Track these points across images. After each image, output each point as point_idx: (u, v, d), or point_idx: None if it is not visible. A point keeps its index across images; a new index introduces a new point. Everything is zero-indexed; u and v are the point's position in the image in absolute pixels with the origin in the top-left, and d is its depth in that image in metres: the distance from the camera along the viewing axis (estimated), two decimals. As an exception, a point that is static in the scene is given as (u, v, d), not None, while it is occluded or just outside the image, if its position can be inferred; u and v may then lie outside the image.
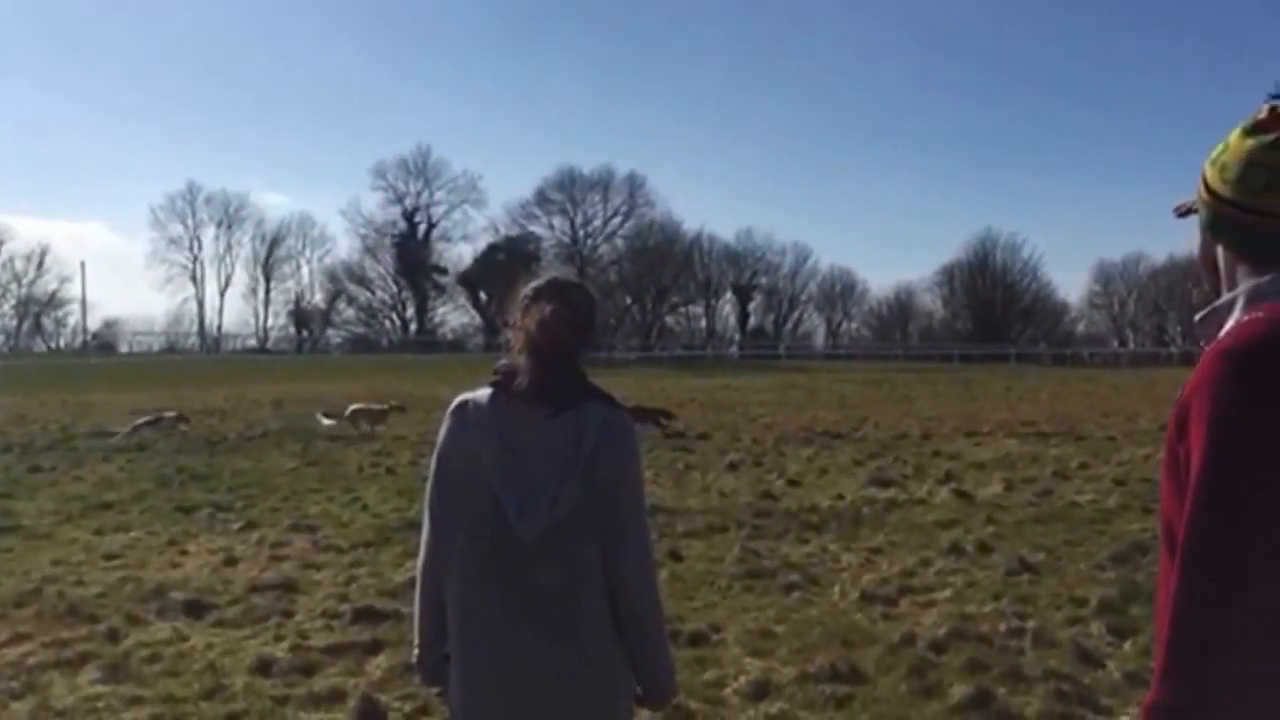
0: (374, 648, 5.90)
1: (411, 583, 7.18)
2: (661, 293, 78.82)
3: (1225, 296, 1.72)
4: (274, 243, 79.74)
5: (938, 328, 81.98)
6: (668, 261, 77.10)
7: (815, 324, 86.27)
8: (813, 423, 19.75)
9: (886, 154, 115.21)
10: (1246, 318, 1.63)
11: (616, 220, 77.87)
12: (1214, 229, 1.73)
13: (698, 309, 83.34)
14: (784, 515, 9.97)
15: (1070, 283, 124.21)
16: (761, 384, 35.65)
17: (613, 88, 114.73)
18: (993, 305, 77.31)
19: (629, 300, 76.90)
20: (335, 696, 5.17)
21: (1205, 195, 1.74)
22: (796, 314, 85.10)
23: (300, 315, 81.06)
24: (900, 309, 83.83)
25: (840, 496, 11.05)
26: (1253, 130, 1.67)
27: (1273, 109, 1.65)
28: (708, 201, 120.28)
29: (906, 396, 28.40)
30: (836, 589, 7.21)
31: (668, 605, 6.82)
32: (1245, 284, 1.68)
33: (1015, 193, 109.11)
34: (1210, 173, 1.73)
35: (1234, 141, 1.69)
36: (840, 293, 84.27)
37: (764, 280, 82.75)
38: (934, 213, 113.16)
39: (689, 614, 6.59)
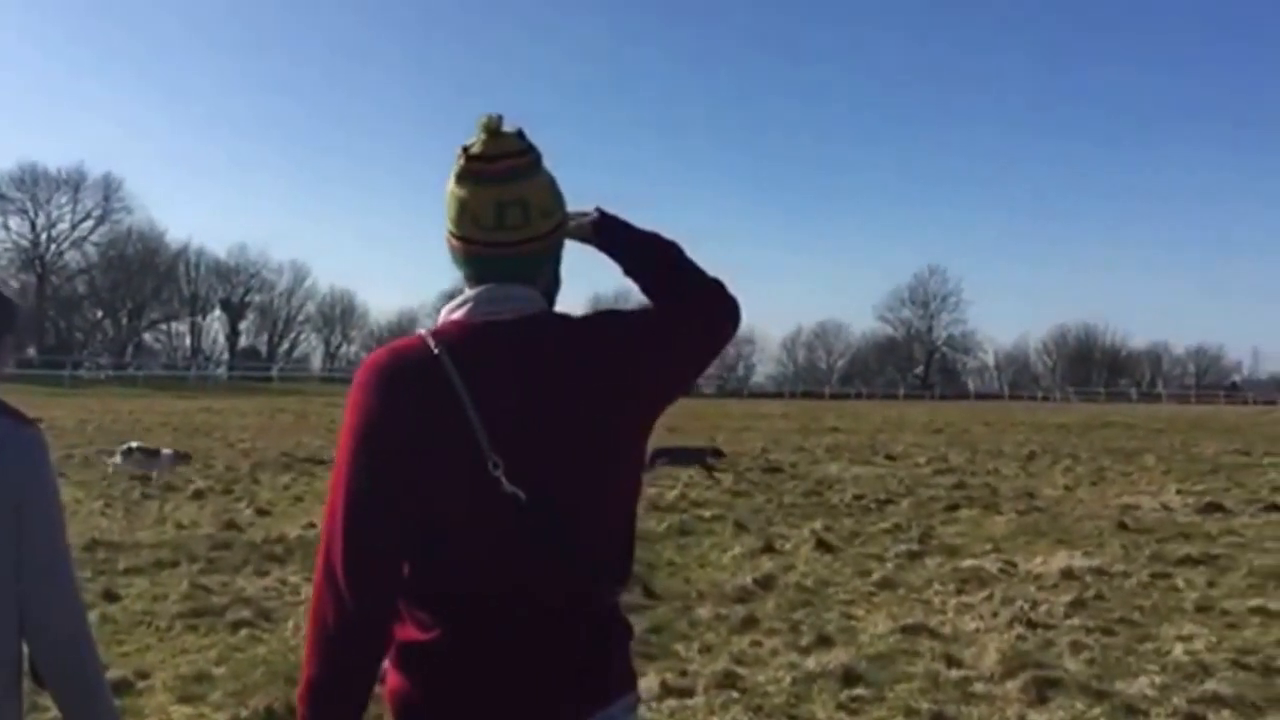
0: None
1: None
2: (140, 307, 73.23)
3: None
4: None
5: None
6: (148, 273, 71.83)
7: (313, 345, 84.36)
8: (296, 448, 19.12)
9: (394, 174, 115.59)
10: (413, 334, 1.81)
11: (88, 225, 71.43)
12: (450, 256, 1.90)
13: (182, 326, 78.47)
14: (246, 547, 9.46)
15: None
16: (248, 407, 34.13)
17: (88, 75, 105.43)
18: (492, 331, 79.92)
19: (100, 314, 70.62)
20: None
21: None
22: (293, 335, 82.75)
23: None
24: (402, 332, 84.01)
25: (312, 525, 10.67)
26: (455, 166, 1.84)
27: (464, 147, 1.83)
28: (198, 213, 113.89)
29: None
30: (290, 624, 6.89)
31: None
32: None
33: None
34: None
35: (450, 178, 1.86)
36: (340, 314, 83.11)
37: (258, 298, 79.66)
38: (438, 237, 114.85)
39: (118, 660, 6.00)
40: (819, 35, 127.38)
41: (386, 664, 1.78)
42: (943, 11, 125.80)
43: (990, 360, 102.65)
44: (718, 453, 16.62)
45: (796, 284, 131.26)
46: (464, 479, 1.67)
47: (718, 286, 2.07)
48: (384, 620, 1.72)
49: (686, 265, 2.07)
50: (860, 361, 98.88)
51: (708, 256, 2.10)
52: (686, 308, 2.00)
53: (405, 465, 1.67)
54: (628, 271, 2.07)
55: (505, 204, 1.79)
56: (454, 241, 1.85)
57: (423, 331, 1.78)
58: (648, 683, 5.60)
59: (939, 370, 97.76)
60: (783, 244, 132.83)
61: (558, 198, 1.88)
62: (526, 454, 1.69)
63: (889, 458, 20.11)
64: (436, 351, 1.72)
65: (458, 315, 1.81)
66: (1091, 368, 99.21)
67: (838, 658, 6.09)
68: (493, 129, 1.81)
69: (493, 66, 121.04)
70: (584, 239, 2.05)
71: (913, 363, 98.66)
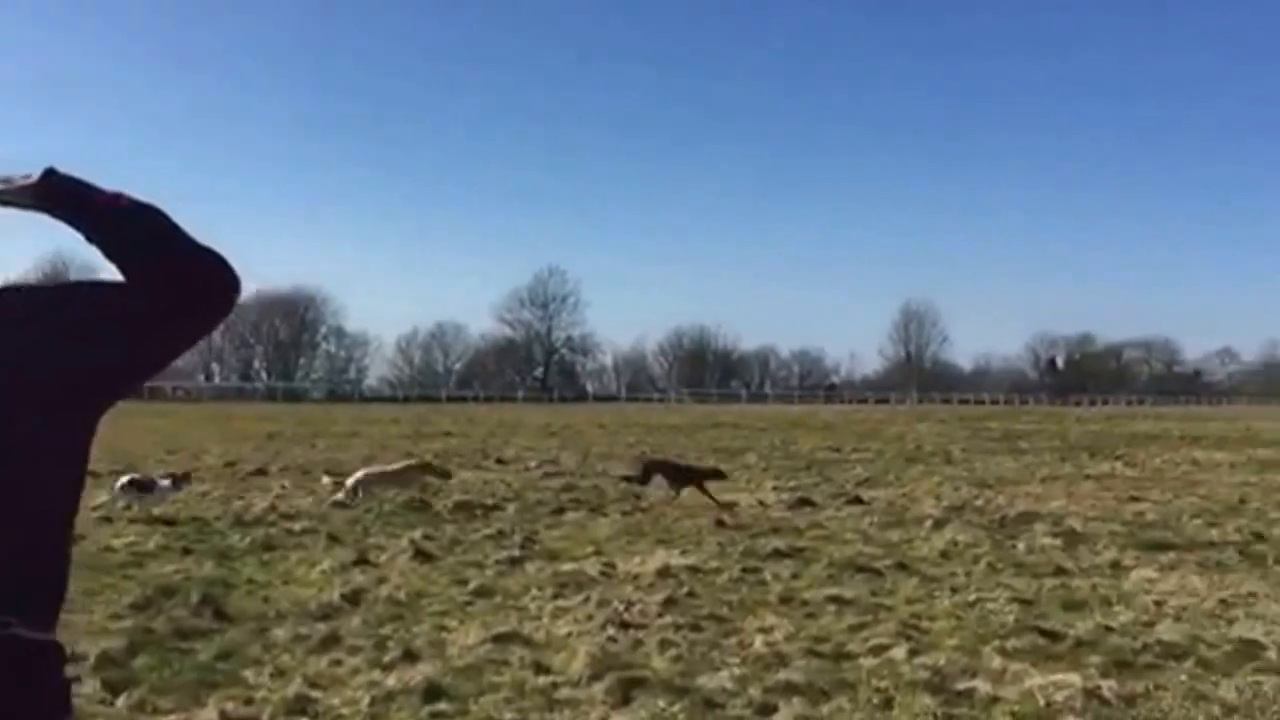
0: None
1: None
2: None
3: None
4: None
5: None
6: None
7: None
8: None
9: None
10: None
11: None
12: None
13: None
14: None
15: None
16: None
17: None
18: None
19: None
20: None
21: None
22: None
23: None
24: None
25: None
26: None
27: None
28: None
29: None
30: None
31: None
32: None
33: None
34: None
35: None
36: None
37: None
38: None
39: None
40: (444, 34, 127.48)
41: None
42: (567, 12, 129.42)
43: (609, 362, 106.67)
44: (718, 473, 14.95)
45: (413, 284, 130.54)
46: None
47: (207, 256, 1.81)
48: None
49: (166, 232, 1.80)
50: (479, 363, 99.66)
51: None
52: (155, 282, 1.76)
53: None
54: (90, 238, 1.82)
55: None
56: None
57: None
58: (206, 714, 5.27)
59: (558, 372, 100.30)
60: (396, 244, 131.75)
61: None
62: None
63: (500, 462, 20.30)
64: None
65: None
66: (705, 369, 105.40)
67: (422, 672, 6.00)
68: None
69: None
70: (29, 206, 1.80)
71: (532, 364, 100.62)
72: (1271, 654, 6.57)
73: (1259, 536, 11.25)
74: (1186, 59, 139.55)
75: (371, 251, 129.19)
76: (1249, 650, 6.66)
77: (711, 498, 13.79)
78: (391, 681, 5.88)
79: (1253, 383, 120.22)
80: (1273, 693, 5.79)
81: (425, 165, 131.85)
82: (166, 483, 13.24)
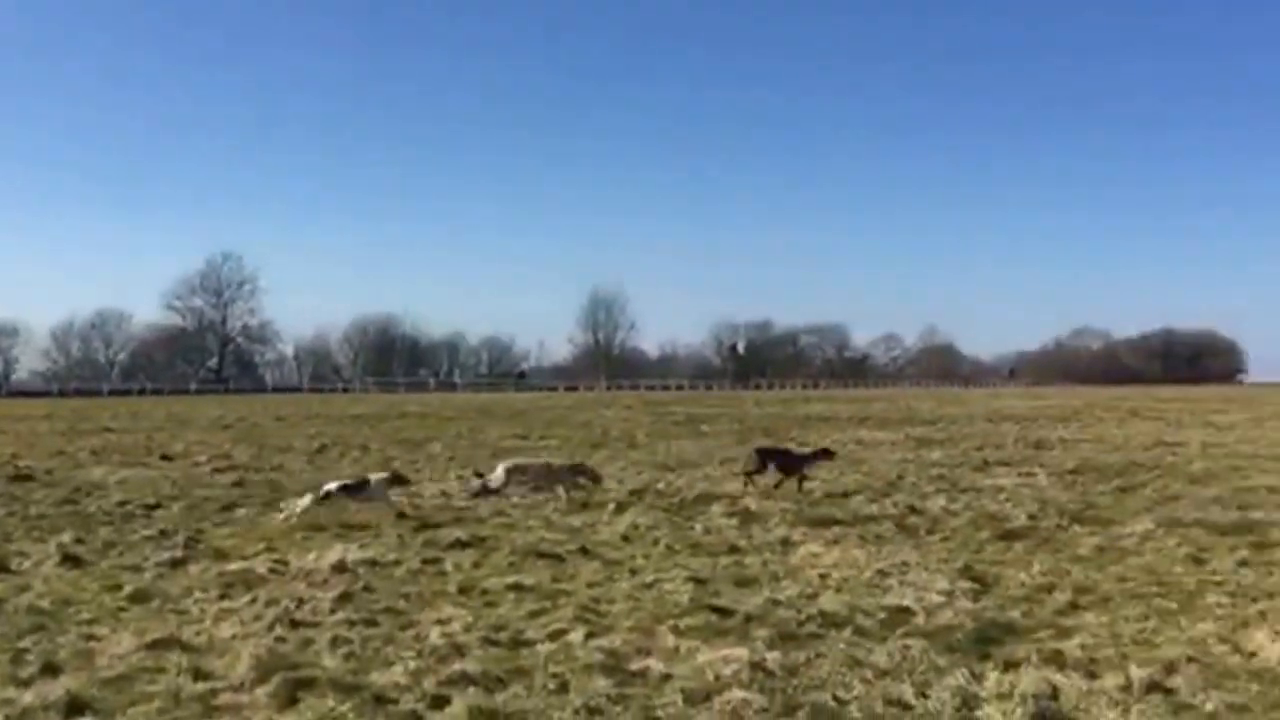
0: None
1: None
2: None
3: None
4: None
5: None
6: None
7: None
8: None
9: None
10: None
11: None
12: None
13: None
14: None
15: None
16: None
17: None
18: None
19: None
20: None
21: None
22: None
23: None
24: None
25: None
26: None
27: None
28: None
29: None
30: None
31: None
32: None
33: None
34: None
35: None
36: None
37: None
38: None
39: None
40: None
41: None
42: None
43: (290, 352, 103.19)
44: (827, 453, 15.24)
45: (68, 266, 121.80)
46: None
47: None
48: None
49: None
50: (145, 355, 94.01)
51: None
52: None
53: None
54: None
55: None
56: None
57: None
58: None
59: (235, 363, 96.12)
60: (51, 227, 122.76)
61: None
62: None
63: (165, 458, 19.25)
64: None
65: None
66: (392, 358, 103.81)
67: (65, 685, 5.61)
68: None
69: None
70: None
71: (205, 355, 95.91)
72: (920, 619, 7.14)
73: (913, 510, 12.19)
74: (864, 60, 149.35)
75: (23, 235, 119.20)
76: (901, 616, 7.20)
77: (805, 478, 14.32)
78: (29, 698, 5.47)
79: (914, 365, 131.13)
80: (920, 654, 6.26)
81: (81, 141, 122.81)
82: (380, 478, 12.67)
